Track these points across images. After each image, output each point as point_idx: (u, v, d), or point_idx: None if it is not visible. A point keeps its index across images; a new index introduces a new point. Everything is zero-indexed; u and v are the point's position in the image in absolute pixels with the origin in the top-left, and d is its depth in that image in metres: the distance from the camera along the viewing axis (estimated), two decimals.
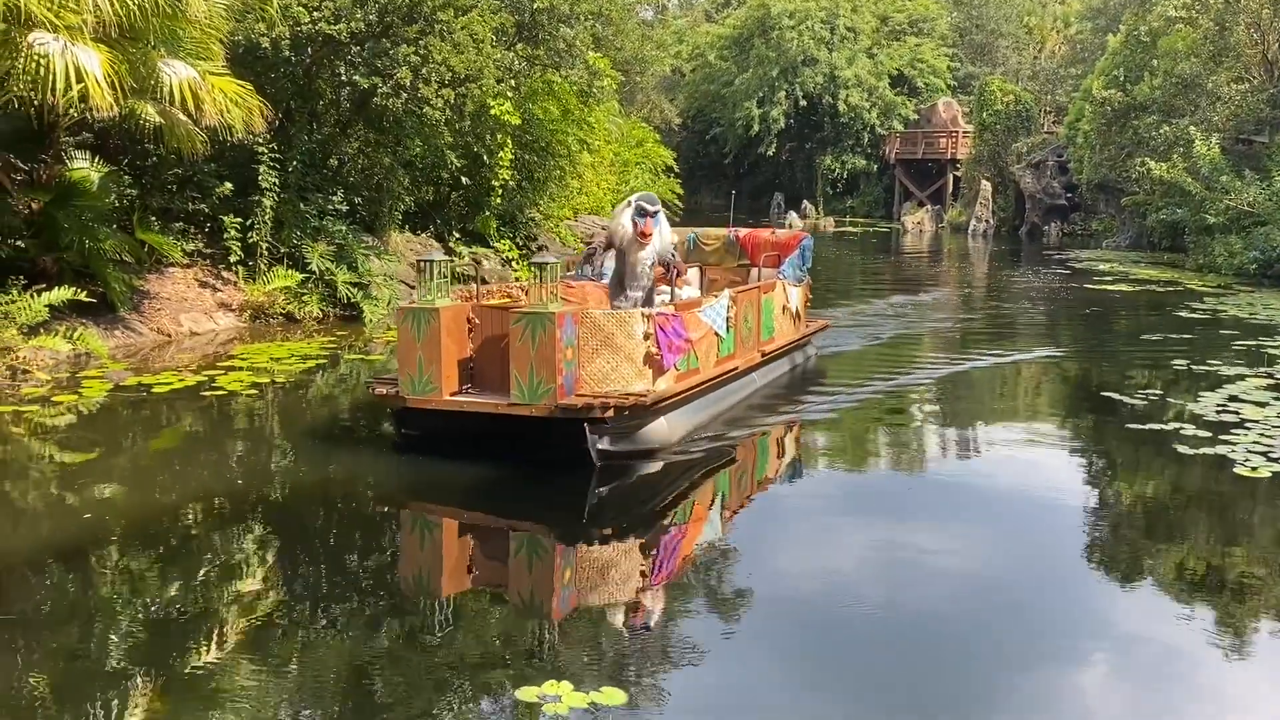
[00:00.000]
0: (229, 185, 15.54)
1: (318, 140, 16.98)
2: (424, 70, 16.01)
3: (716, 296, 9.94)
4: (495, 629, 5.86)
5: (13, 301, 11.47)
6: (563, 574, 6.71)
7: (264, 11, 14.79)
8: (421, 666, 5.37)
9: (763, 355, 11.06)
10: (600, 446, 8.28)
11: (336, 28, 15.52)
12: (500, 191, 20.12)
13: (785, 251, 12.73)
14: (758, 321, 10.96)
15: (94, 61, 10.22)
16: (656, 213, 9.58)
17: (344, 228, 16.52)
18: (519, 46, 19.01)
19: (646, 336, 8.41)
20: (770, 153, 51.75)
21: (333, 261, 16.05)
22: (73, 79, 10.08)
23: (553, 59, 19.73)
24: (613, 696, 4.94)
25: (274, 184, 15.46)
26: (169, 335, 14.04)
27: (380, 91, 16.33)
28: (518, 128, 19.52)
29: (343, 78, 16.56)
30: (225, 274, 15.82)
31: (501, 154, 19.58)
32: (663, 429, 8.84)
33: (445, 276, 8.76)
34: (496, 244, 20.98)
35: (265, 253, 15.72)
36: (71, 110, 11.74)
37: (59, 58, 10.01)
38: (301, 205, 16.25)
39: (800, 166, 53.38)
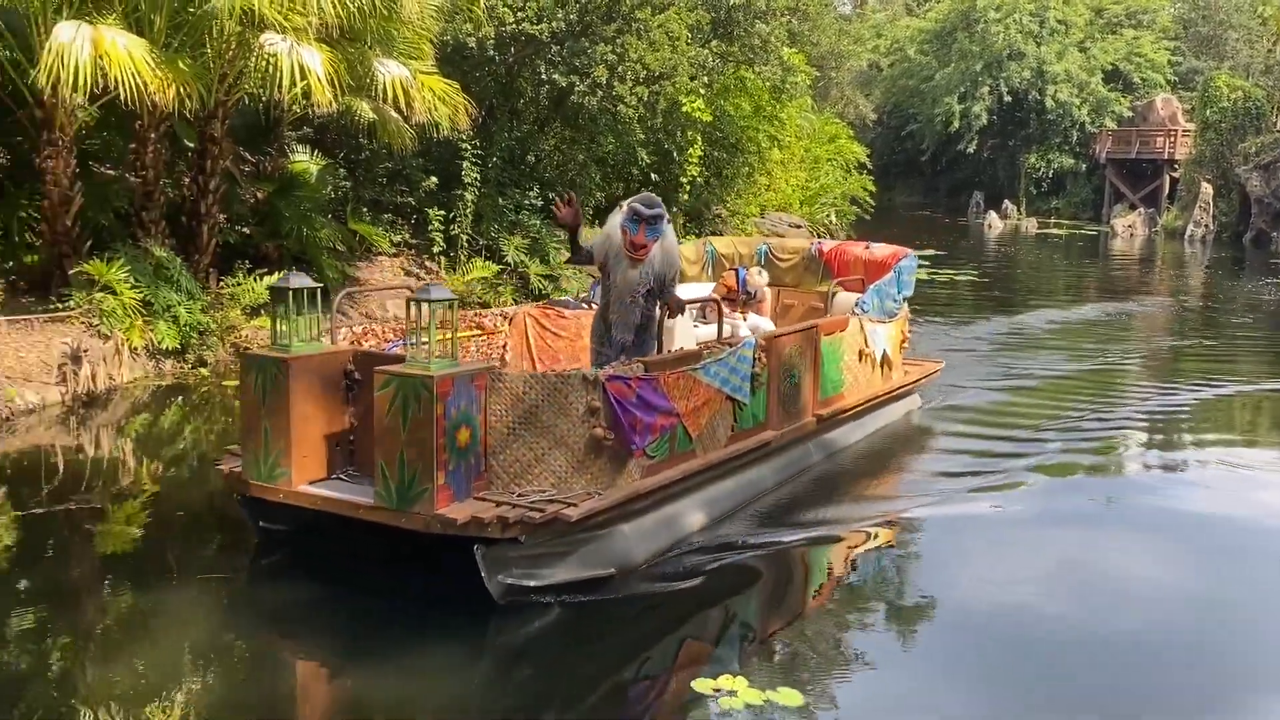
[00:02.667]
0: (434, 179, 16.28)
1: (516, 137, 17.55)
2: (620, 68, 16.31)
3: (729, 346, 7.08)
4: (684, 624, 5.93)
5: (239, 284, 12.40)
6: (759, 578, 6.68)
7: (471, 12, 15.41)
8: (604, 652, 5.49)
9: (820, 420, 8.36)
10: (503, 579, 5.70)
11: (538, 27, 16.00)
12: (688, 188, 20.25)
13: (879, 273, 9.94)
14: (813, 375, 8.19)
15: (316, 60, 10.91)
16: (658, 219, 6.68)
17: (538, 222, 17.04)
18: (713, 43, 19.09)
19: (593, 411, 5.85)
20: (970, 149, 49.97)
21: (526, 254, 16.61)
22: (297, 77, 10.79)
23: (746, 55, 19.71)
24: (789, 697, 4.92)
25: (475, 179, 16.10)
26: (375, 319, 14.87)
27: (577, 89, 16.73)
28: (708, 124, 19.60)
29: (542, 76, 17.05)
30: (428, 264, 16.60)
31: (691, 150, 19.70)
32: (620, 545, 6.23)
33: (319, 311, 6.28)
34: (682, 240, 21.17)
35: (465, 244, 16.39)
36: (295, 106, 12.59)
37: (286, 57, 10.73)
38: (500, 200, 16.87)
39: (1002, 164, 51.29)
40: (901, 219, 42.62)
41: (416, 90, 12.68)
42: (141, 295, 11.13)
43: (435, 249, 16.28)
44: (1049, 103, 47.72)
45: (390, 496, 5.62)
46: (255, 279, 12.52)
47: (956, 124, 49.19)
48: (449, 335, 5.75)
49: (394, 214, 16.69)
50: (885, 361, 9.54)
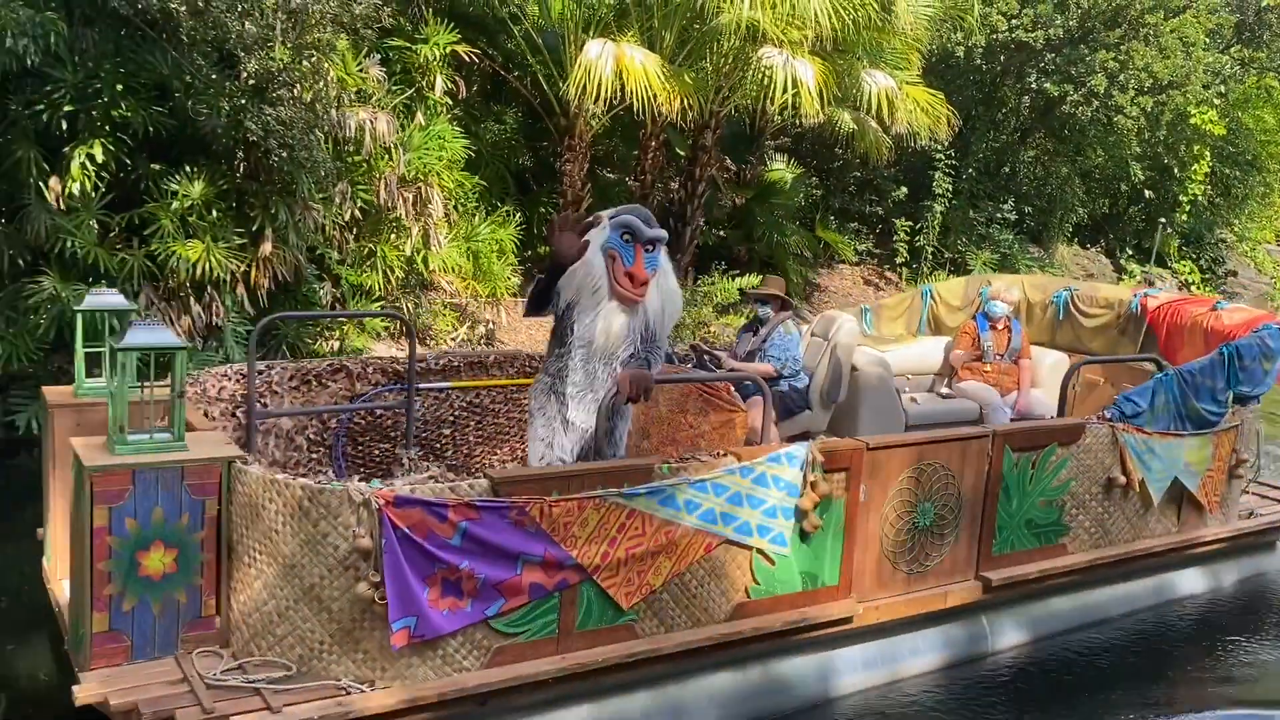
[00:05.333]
0: (904, 189, 16.13)
1: (994, 148, 16.89)
2: (1121, 76, 15.09)
3: (780, 449, 4.77)
4: None
5: (713, 283, 13.12)
6: None
7: (962, 21, 15.03)
8: None
9: (989, 586, 5.56)
10: None
11: (1033, 35, 15.25)
12: (1188, 207, 18.25)
13: (1222, 342, 6.79)
14: (981, 510, 5.50)
15: (809, 73, 11.21)
16: (658, 242, 4.79)
17: (1010, 236, 16.28)
18: (1234, 49, 17.02)
19: (362, 554, 3.79)
20: None
21: (994, 269, 15.92)
22: (789, 88, 11.17)
23: (1276, 62, 17.34)
24: None
25: (946, 190, 15.72)
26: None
27: (1069, 99, 15.73)
28: (1219, 138, 17.52)
29: (1030, 85, 16.23)
30: (888, 274, 16.49)
31: (1196, 167, 17.74)
32: None
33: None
34: (1175, 265, 19.14)
35: (930, 256, 16.07)
36: (779, 117, 13.05)
37: (781, 70, 11.15)
38: (971, 212, 16.34)
39: None
40: None
41: (900, 100, 12.61)
42: None
43: (898, 260, 16.12)
44: None
45: (74, 637, 4.03)
46: (728, 279, 13.16)
47: None
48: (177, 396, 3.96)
49: (860, 223, 16.77)
50: (1185, 498, 6.43)
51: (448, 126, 10.80)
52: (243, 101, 8.14)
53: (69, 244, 7.87)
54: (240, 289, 8.61)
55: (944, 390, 7.98)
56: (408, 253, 10.09)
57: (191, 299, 8.40)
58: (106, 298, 4.85)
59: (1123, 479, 6.00)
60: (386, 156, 9.66)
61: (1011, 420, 7.22)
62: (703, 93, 11.74)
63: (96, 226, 8.09)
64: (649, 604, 4.43)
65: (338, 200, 9.29)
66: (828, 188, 16.52)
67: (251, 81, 8.23)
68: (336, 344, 9.53)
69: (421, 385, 6.08)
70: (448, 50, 10.85)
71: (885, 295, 16.09)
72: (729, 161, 15.95)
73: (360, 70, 9.59)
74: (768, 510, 4.67)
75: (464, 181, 11.02)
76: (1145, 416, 6.18)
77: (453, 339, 10.69)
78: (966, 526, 5.48)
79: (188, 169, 8.46)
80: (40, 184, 7.87)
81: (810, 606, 4.92)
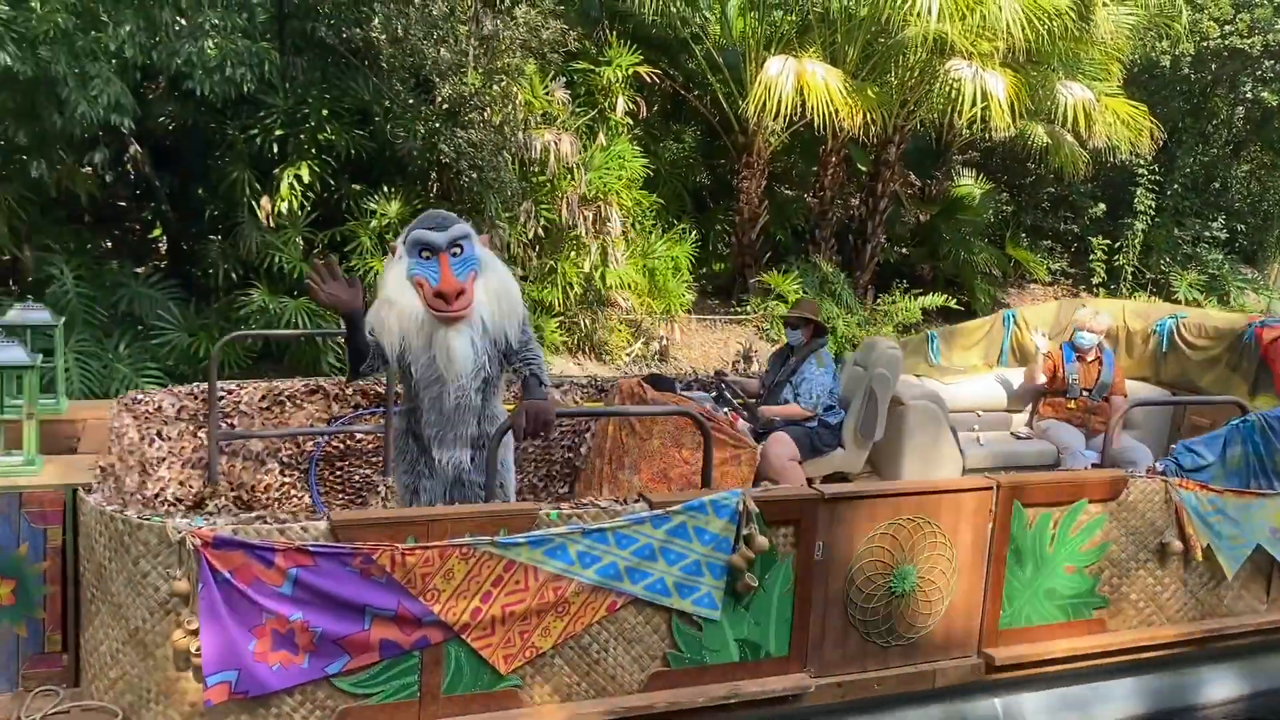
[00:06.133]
0: (1101, 206, 15.32)
1: (1203, 162, 15.82)
2: None
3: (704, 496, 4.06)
4: None
5: (894, 302, 12.80)
6: None
7: (1169, 29, 14.17)
8: None
9: (993, 666, 4.72)
10: None
11: (1249, 41, 14.23)
12: None
13: None
14: (988, 578, 4.64)
15: (999, 85, 10.82)
16: (462, 239, 4.14)
17: (1219, 256, 15.20)
18: None
19: (180, 597, 3.46)
20: None
21: (1202, 291, 14.90)
22: (977, 102, 10.81)
23: None
24: None
25: (1149, 207, 14.83)
26: None
27: None
28: None
29: (1245, 94, 15.13)
30: (1083, 294, 15.67)
31: None
32: None
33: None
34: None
35: (1129, 277, 15.19)
36: (967, 131, 12.64)
37: (970, 82, 10.81)
38: (1176, 230, 15.35)
39: None
40: None
41: (1098, 113, 12.01)
42: None
43: (1094, 280, 15.30)
44: None
45: None
46: (910, 298, 12.82)
47: None
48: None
49: (1054, 241, 16.02)
50: (1277, 569, 5.30)
51: (628, 146, 10.98)
52: (437, 125, 8.51)
53: (277, 259, 8.42)
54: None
55: (1023, 430, 7.13)
56: (586, 269, 10.30)
57: None
58: (30, 313, 4.59)
59: (1179, 545, 4.93)
60: (569, 176, 9.90)
61: (1092, 467, 6.28)
62: (886, 107, 11.52)
63: (302, 243, 8.63)
64: (537, 669, 3.84)
65: (522, 219, 9.59)
66: (1019, 204, 15.87)
67: (445, 106, 8.60)
68: None
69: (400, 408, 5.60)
70: (630, 72, 11.05)
71: None
72: (913, 177, 15.56)
73: (546, 93, 9.87)
74: (689, 567, 3.97)
75: (642, 200, 11.18)
76: (1214, 471, 5.12)
77: (628, 354, 10.84)
78: (964, 594, 4.57)
79: (385, 189, 8.91)
80: (253, 203, 8.46)
81: (748, 680, 4.14)
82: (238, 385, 5.60)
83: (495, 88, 8.76)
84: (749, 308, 12.11)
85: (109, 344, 7.91)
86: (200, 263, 8.94)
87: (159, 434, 5.16)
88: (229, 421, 5.46)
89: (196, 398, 5.38)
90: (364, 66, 8.88)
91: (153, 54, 7.31)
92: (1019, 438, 7.00)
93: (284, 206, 8.44)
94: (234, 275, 8.62)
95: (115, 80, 7.02)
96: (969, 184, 15.17)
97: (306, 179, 8.47)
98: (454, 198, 8.98)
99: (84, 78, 6.91)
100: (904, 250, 14.45)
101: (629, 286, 10.85)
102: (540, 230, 9.98)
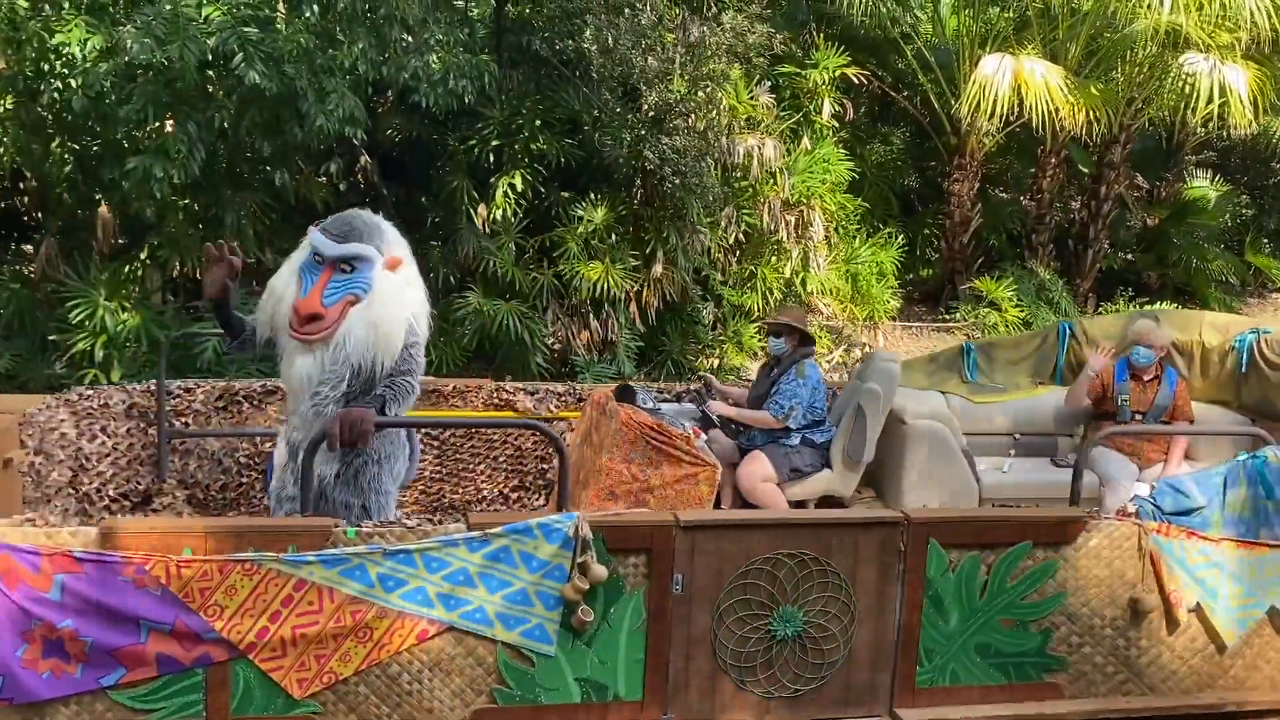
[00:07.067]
0: None
1: None
2: None
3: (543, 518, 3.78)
4: None
5: (1117, 311, 12.03)
6: None
7: None
8: None
9: None
10: None
11: None
12: None
13: None
14: (904, 620, 4.11)
15: (1240, 79, 10.06)
16: (356, 261, 3.96)
17: None
18: None
19: None
20: None
21: None
22: (1215, 98, 10.08)
23: None
24: None
25: None
26: None
27: None
28: None
29: None
30: None
31: None
32: None
33: None
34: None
35: None
36: (1202, 129, 11.79)
37: (1206, 77, 10.10)
38: None
39: None
40: None
41: None
42: (1022, 314, 11.48)
43: None
44: None
45: None
46: (1135, 307, 12.05)
47: None
48: None
49: None
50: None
51: (833, 149, 10.85)
52: (642, 132, 8.69)
53: (491, 264, 8.80)
54: (632, 307, 9.18)
55: (1067, 458, 6.14)
56: (787, 275, 10.24)
57: (590, 315, 9.07)
58: None
59: (1154, 601, 4.13)
60: (771, 181, 9.88)
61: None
62: (1111, 105, 10.90)
63: (514, 248, 8.99)
64: (340, 696, 3.60)
65: (724, 224, 9.64)
66: (1261, 206, 14.64)
67: (651, 113, 8.76)
68: (716, 361, 9.88)
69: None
70: (837, 73, 10.91)
71: None
72: (1140, 178, 14.62)
73: (751, 98, 9.89)
74: (514, 595, 3.65)
75: (846, 204, 11.02)
76: (1209, 515, 4.26)
77: (828, 362, 10.70)
78: (868, 644, 4.02)
79: (592, 196, 9.17)
80: (470, 210, 8.89)
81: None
82: (195, 384, 5.52)
83: (700, 94, 8.85)
84: (958, 315, 11.71)
85: None
86: (422, 267, 9.44)
87: (103, 430, 5.11)
88: (183, 420, 5.40)
89: (150, 395, 5.30)
90: (575, 77, 9.16)
91: (383, 69, 7.80)
92: (1058, 465, 6.11)
93: (498, 213, 8.81)
94: (451, 279, 9.07)
95: (349, 95, 7.53)
96: (1203, 185, 14.12)
97: (519, 187, 8.82)
98: (656, 203, 9.13)
99: (322, 93, 7.45)
100: (1129, 256, 13.61)
101: (831, 292, 10.71)
102: (741, 235, 9.99)
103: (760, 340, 10.40)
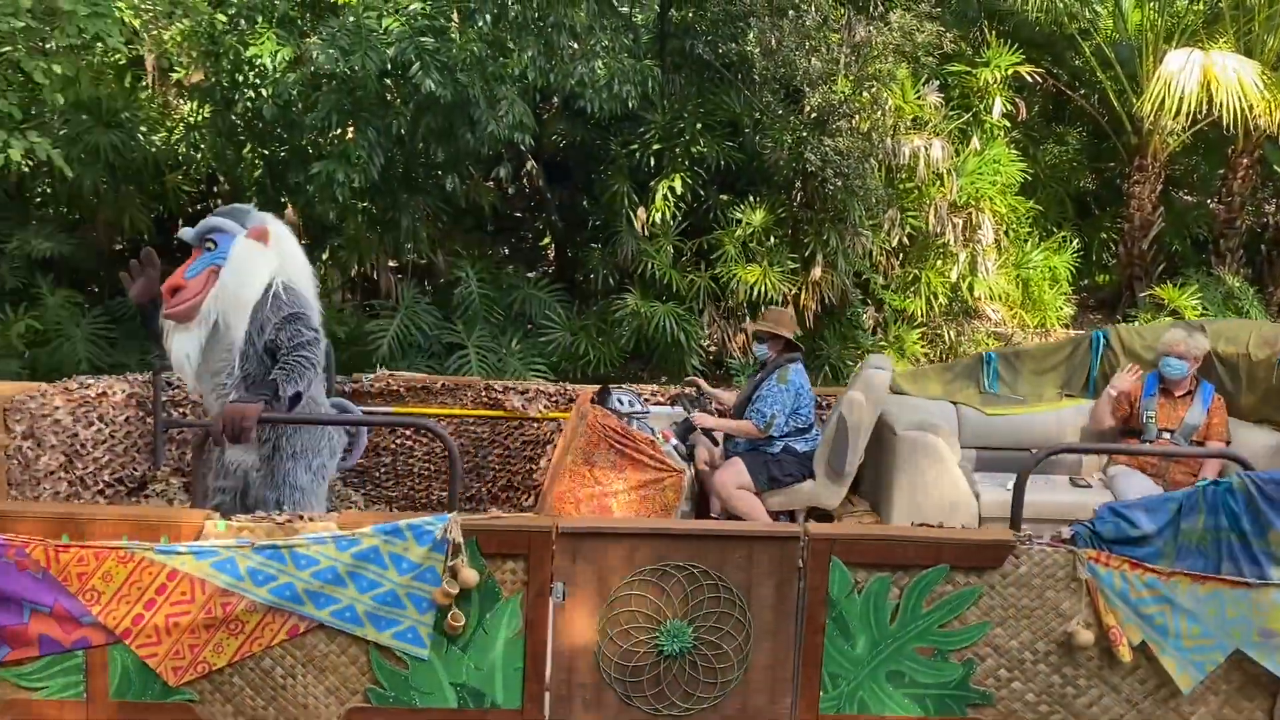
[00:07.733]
0: None
1: None
2: None
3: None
4: None
5: None
6: None
7: None
8: None
9: None
10: None
11: None
12: None
13: None
14: (804, 641, 3.85)
15: None
16: (212, 233, 4.05)
17: None
18: None
19: None
20: None
21: None
22: None
23: None
24: None
25: None
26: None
27: None
28: None
29: None
30: None
31: None
32: None
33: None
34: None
35: None
36: None
37: None
38: None
39: None
40: None
41: None
42: None
43: None
44: None
45: None
46: None
47: None
48: None
49: None
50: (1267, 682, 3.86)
51: (1004, 150, 10.48)
52: (804, 134, 8.61)
53: (649, 266, 8.90)
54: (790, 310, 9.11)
55: (1094, 477, 5.67)
56: (953, 279, 9.95)
57: (747, 318, 9.06)
58: None
59: (1089, 636, 3.78)
60: (938, 182, 9.62)
61: None
62: None
63: (672, 251, 9.06)
64: (215, 686, 3.69)
65: (886, 226, 9.45)
66: None
67: (813, 115, 8.68)
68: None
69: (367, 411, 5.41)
70: (1009, 72, 10.54)
71: None
72: None
73: (918, 97, 9.66)
74: (384, 597, 3.65)
75: (1018, 206, 10.62)
76: (1159, 546, 3.83)
77: None
78: (765, 665, 3.84)
79: (751, 199, 9.15)
80: (630, 213, 9.01)
81: None
82: None
83: (865, 94, 8.71)
84: (1138, 323, 11.12)
85: (504, 340, 8.75)
86: (582, 268, 9.66)
87: (100, 417, 5.23)
88: (181, 410, 5.56)
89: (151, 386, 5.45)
90: (736, 80, 9.16)
91: (550, 76, 8.00)
92: (1078, 485, 5.63)
93: (657, 216, 8.90)
94: (610, 280, 9.22)
95: (519, 101, 7.76)
96: None
97: (679, 190, 8.88)
98: (817, 206, 9.02)
99: (493, 100, 7.69)
100: None
101: (1000, 298, 10.34)
102: (905, 238, 9.77)
103: (922, 345, 10.15)
